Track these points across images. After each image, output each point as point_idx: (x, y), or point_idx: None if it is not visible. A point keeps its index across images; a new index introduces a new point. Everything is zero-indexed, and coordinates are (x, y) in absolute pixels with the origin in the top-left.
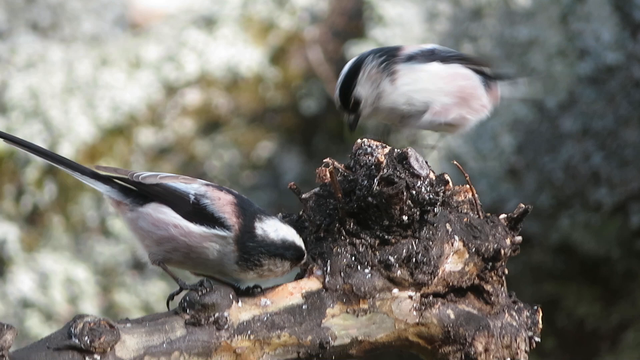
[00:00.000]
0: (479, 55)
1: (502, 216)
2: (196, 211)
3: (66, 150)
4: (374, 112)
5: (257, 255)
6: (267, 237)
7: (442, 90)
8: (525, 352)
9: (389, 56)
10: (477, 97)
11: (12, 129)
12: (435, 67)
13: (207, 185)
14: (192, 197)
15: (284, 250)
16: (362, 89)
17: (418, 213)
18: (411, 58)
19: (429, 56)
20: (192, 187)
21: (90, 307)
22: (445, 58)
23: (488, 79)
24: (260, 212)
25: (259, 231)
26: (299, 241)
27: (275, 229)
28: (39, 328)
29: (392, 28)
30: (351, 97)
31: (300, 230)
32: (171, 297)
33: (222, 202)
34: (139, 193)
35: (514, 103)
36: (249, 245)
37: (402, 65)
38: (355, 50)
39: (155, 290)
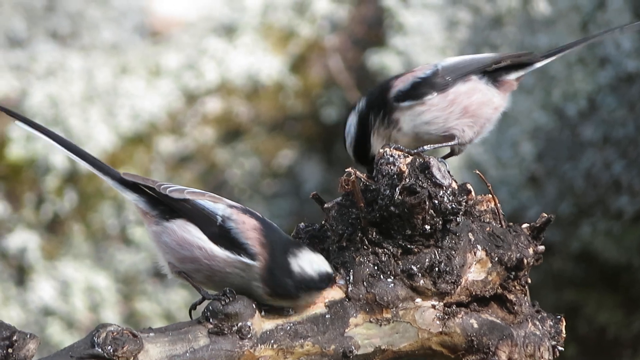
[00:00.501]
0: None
1: (525, 225)
2: (222, 234)
3: None
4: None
5: (295, 291)
6: (306, 273)
7: (448, 119)
8: None
9: (383, 104)
10: (485, 104)
11: (32, 137)
12: (433, 100)
13: (232, 207)
14: (219, 219)
15: (321, 284)
16: (376, 147)
17: (440, 222)
18: (402, 95)
19: (425, 85)
20: (219, 207)
21: (112, 315)
22: (442, 85)
23: (499, 72)
24: (289, 243)
25: (295, 268)
26: (329, 267)
27: (310, 262)
28: (60, 336)
29: (412, 36)
30: (369, 156)
31: (322, 240)
32: (194, 307)
33: (246, 227)
34: (166, 206)
35: (534, 110)
36: (286, 282)
37: (399, 113)
38: (376, 58)
39: (177, 299)
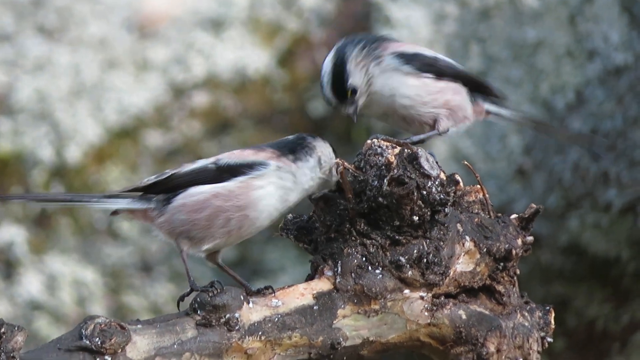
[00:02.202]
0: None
1: (513, 216)
2: (223, 172)
3: (74, 153)
4: (368, 100)
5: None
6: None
7: (427, 104)
8: (538, 352)
9: (370, 42)
10: (462, 108)
11: (19, 131)
12: (427, 80)
13: (214, 156)
14: (212, 165)
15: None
16: (355, 77)
17: (429, 213)
18: (401, 57)
19: (426, 64)
20: (202, 160)
21: (99, 309)
22: (439, 73)
23: (478, 93)
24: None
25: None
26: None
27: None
28: (47, 330)
29: (400, 30)
30: (347, 87)
31: (310, 231)
32: (181, 299)
33: (240, 154)
34: (160, 194)
35: (522, 103)
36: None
37: (389, 59)
38: None
39: (164, 293)
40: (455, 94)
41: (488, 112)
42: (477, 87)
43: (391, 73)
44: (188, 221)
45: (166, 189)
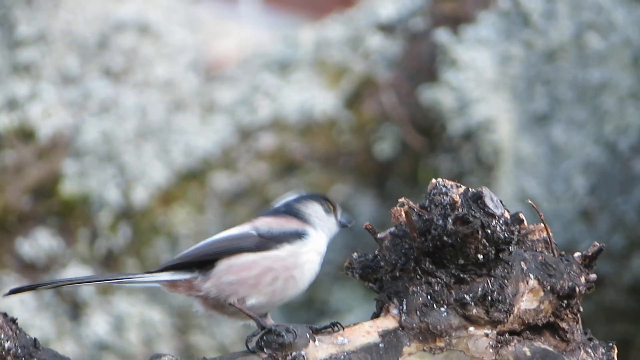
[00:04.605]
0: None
1: (577, 254)
2: (266, 240)
3: (140, 195)
4: None
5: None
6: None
7: None
8: None
9: None
10: None
11: (85, 173)
12: None
13: (251, 222)
14: (253, 232)
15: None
16: None
17: (493, 252)
18: None
19: None
20: (244, 227)
21: (166, 349)
22: None
23: None
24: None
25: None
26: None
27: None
28: None
29: (465, 72)
30: None
31: (375, 270)
32: (249, 338)
33: (279, 222)
34: (199, 266)
35: (586, 145)
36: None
37: None
38: (429, 94)
39: (231, 333)
40: None
41: None
42: None
43: None
44: (236, 281)
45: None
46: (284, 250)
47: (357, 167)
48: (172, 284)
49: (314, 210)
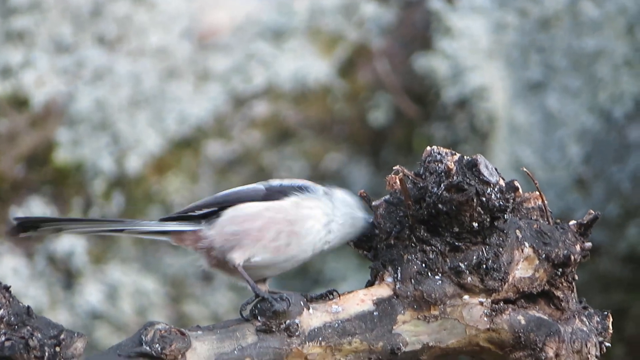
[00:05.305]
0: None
1: (572, 223)
2: (273, 194)
3: (134, 163)
4: None
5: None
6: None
7: None
8: (596, 357)
9: None
10: None
11: (79, 141)
12: None
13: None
14: (261, 187)
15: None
16: None
17: (488, 220)
18: None
19: None
20: (255, 184)
21: (159, 318)
22: None
23: None
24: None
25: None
26: None
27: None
28: (108, 339)
29: (460, 40)
30: None
31: (370, 238)
32: (243, 306)
33: (292, 180)
34: (207, 215)
35: (581, 113)
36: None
37: None
38: (423, 62)
39: (224, 301)
40: None
41: None
42: None
43: None
44: (240, 231)
45: (215, 206)
46: (288, 201)
47: (351, 135)
48: (179, 236)
49: (343, 196)
